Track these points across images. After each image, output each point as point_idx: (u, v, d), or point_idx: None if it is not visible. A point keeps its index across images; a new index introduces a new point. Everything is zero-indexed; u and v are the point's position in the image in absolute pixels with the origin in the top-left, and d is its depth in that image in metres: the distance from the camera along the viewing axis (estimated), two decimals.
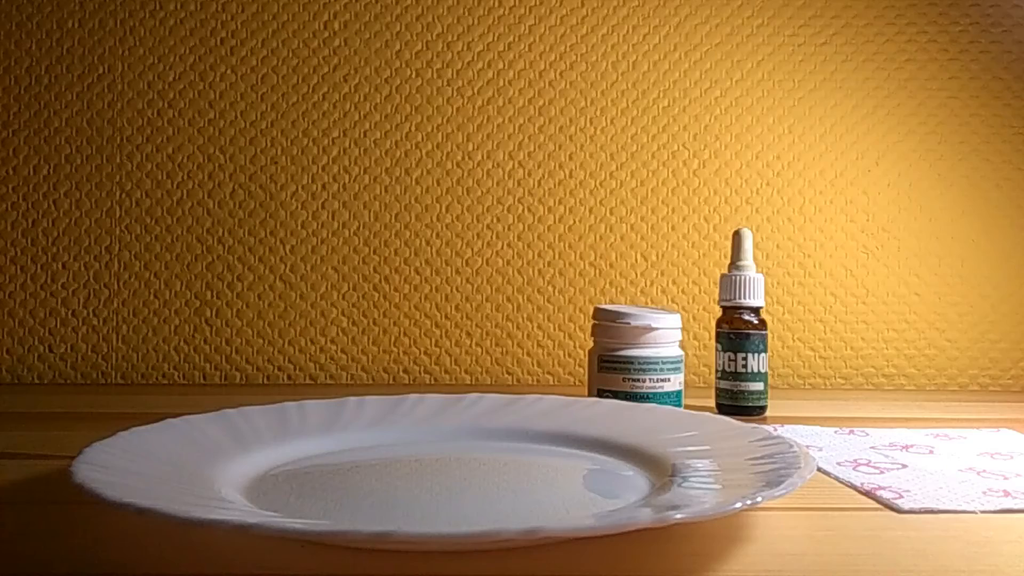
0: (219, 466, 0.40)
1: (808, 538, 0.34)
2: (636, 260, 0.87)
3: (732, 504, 0.31)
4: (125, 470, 0.36)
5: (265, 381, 0.86)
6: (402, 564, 0.31)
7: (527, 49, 0.87)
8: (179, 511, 0.29)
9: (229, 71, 0.86)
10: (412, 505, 0.37)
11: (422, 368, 0.86)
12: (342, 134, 0.87)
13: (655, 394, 0.63)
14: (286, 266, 0.86)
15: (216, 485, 0.37)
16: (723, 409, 0.65)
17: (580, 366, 0.86)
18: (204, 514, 0.29)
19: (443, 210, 0.87)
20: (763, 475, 0.36)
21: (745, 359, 0.64)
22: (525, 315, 0.86)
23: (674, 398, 0.64)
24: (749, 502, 0.31)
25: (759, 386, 0.64)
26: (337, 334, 0.86)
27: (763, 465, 0.38)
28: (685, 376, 0.65)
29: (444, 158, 0.87)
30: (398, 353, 0.86)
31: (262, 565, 0.31)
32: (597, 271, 0.87)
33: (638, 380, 0.63)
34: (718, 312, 0.68)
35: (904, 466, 0.47)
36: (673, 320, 0.65)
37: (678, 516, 0.29)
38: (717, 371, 0.66)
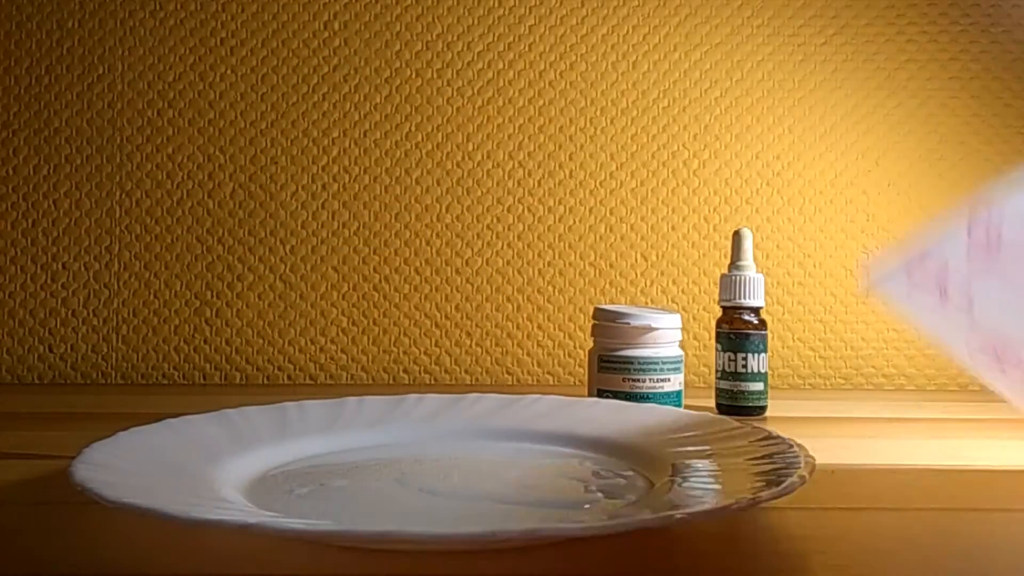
0: (219, 466, 0.40)
1: (809, 538, 0.34)
2: (636, 260, 0.87)
3: (732, 504, 0.31)
4: (125, 470, 0.36)
5: (265, 381, 0.86)
6: (402, 564, 0.31)
7: (527, 49, 0.87)
8: (179, 511, 0.29)
9: (229, 71, 0.86)
10: (412, 505, 0.37)
11: (422, 368, 0.86)
12: (342, 134, 0.87)
13: (655, 394, 0.63)
14: (286, 266, 0.86)
15: (216, 485, 0.37)
16: (723, 409, 0.65)
17: (580, 366, 0.86)
18: (204, 514, 0.29)
19: (443, 210, 0.87)
20: (763, 475, 0.36)
21: (745, 359, 0.64)
22: (525, 315, 0.86)
23: (674, 398, 0.64)
24: (749, 502, 0.31)
25: (759, 386, 0.64)
26: (337, 334, 0.86)
27: (763, 465, 0.38)
28: (685, 376, 0.65)
29: (444, 158, 0.87)
30: (398, 353, 0.86)
31: (262, 565, 0.31)
32: (597, 271, 0.87)
33: (638, 380, 0.63)
34: (718, 312, 0.68)
35: None
36: (673, 320, 0.65)
37: (678, 516, 0.29)
38: (717, 371, 0.66)
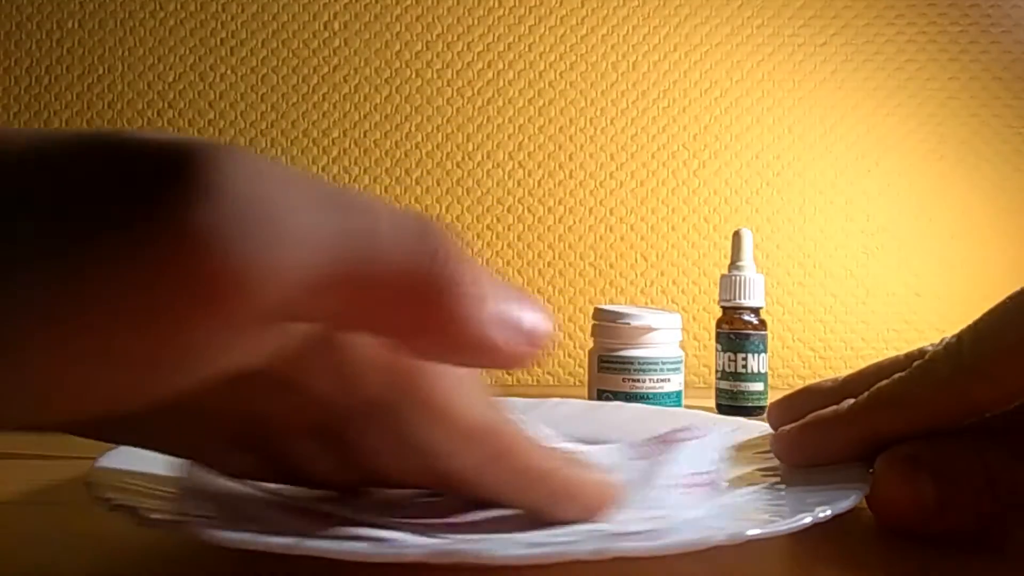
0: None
1: (809, 537, 0.34)
2: (636, 260, 0.87)
3: (801, 519, 0.29)
4: (141, 484, 0.34)
5: None
6: (403, 568, 0.30)
7: (527, 49, 0.87)
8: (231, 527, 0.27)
9: (229, 71, 0.86)
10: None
11: None
12: (342, 134, 0.87)
13: (655, 394, 0.63)
14: None
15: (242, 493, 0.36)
16: (723, 409, 0.65)
17: (580, 366, 0.86)
18: (255, 536, 0.27)
19: (443, 210, 0.87)
20: (819, 489, 0.34)
21: (745, 359, 0.64)
22: None
23: (674, 398, 0.64)
24: (821, 515, 0.30)
25: (759, 386, 0.64)
26: None
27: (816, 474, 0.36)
28: (685, 376, 0.65)
29: (444, 158, 0.87)
30: None
31: (262, 565, 0.31)
32: (597, 271, 0.87)
33: (638, 380, 0.63)
34: (718, 312, 0.68)
35: None
36: (673, 320, 0.65)
37: (751, 533, 0.28)
38: (717, 371, 0.66)
